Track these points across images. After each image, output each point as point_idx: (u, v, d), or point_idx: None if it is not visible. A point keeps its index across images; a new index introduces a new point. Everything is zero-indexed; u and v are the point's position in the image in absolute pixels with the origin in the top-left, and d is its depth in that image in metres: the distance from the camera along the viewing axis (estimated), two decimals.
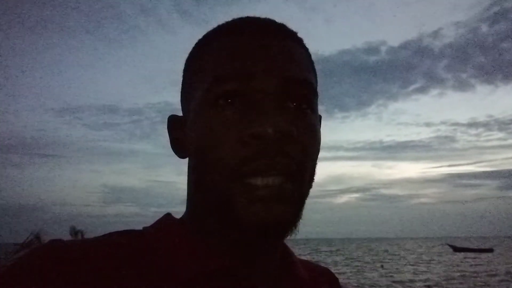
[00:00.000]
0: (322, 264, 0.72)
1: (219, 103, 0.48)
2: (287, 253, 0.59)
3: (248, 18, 0.54)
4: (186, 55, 0.58)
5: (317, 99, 0.53)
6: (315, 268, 0.67)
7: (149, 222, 0.55)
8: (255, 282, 0.50)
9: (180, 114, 0.58)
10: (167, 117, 0.58)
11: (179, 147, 0.57)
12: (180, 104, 0.58)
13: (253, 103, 0.47)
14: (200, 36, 0.56)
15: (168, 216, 0.55)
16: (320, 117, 0.57)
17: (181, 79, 0.58)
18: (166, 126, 0.58)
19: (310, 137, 0.50)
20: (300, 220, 0.49)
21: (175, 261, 0.48)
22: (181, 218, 0.55)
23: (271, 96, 0.47)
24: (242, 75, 0.47)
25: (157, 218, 0.55)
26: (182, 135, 0.55)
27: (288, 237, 0.49)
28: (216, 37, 0.53)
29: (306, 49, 0.55)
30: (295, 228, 0.48)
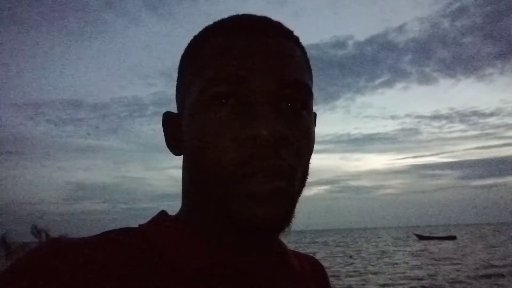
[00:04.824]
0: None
1: (214, 104, 0.48)
2: (280, 245, 0.60)
3: (244, 16, 0.54)
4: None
5: (312, 99, 0.53)
6: (302, 257, 0.68)
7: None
8: (252, 277, 0.51)
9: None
10: (162, 113, 0.59)
11: (174, 144, 0.57)
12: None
13: (248, 104, 0.48)
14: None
15: (163, 213, 0.56)
16: (315, 114, 0.58)
17: (175, 75, 0.58)
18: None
19: (304, 140, 0.51)
20: (294, 217, 0.50)
21: (173, 257, 0.48)
22: (176, 215, 0.56)
23: (266, 97, 0.48)
24: (237, 77, 0.48)
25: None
26: (177, 132, 0.56)
27: (282, 233, 0.51)
28: (211, 36, 0.53)
29: (302, 48, 0.56)
30: (289, 224, 0.49)
